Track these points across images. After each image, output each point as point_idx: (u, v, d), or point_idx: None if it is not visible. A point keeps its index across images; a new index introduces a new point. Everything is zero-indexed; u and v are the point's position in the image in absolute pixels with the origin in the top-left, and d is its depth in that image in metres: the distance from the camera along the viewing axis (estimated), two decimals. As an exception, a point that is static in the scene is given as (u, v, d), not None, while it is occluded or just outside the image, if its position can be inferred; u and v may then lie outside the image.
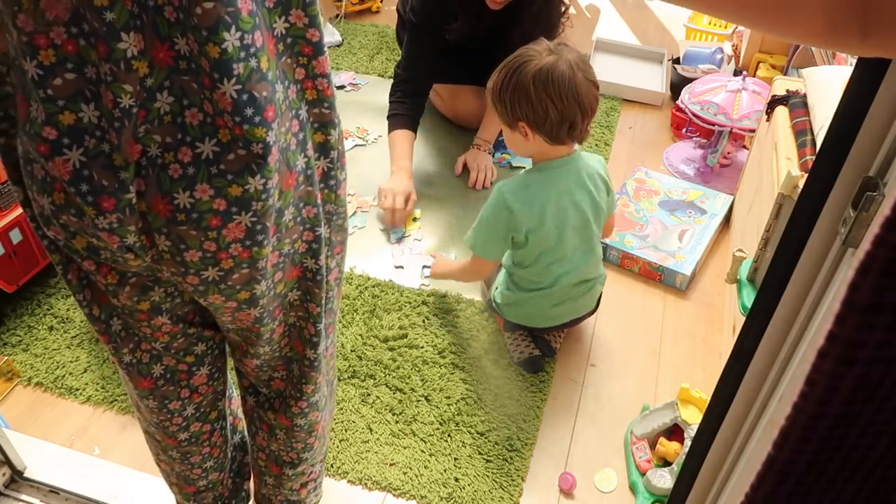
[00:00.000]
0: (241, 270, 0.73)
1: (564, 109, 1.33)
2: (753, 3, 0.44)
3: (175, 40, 0.59)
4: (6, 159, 0.70)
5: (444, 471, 1.35)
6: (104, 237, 0.67)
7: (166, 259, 0.71)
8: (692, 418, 1.33)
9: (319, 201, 0.79)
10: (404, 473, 1.35)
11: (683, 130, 2.30)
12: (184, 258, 0.70)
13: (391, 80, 2.59)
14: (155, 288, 0.80)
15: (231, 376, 1.03)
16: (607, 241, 1.82)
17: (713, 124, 2.05)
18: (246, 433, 1.09)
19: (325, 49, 0.70)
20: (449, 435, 1.41)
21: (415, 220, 1.97)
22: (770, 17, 0.45)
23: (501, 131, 1.64)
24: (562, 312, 1.53)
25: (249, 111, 0.63)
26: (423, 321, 1.65)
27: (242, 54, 0.60)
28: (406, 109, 2.04)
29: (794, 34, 0.46)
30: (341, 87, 2.52)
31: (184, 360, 0.91)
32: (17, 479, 1.30)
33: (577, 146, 1.45)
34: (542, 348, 1.57)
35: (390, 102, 2.08)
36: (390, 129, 2.05)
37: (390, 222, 1.91)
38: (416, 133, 2.05)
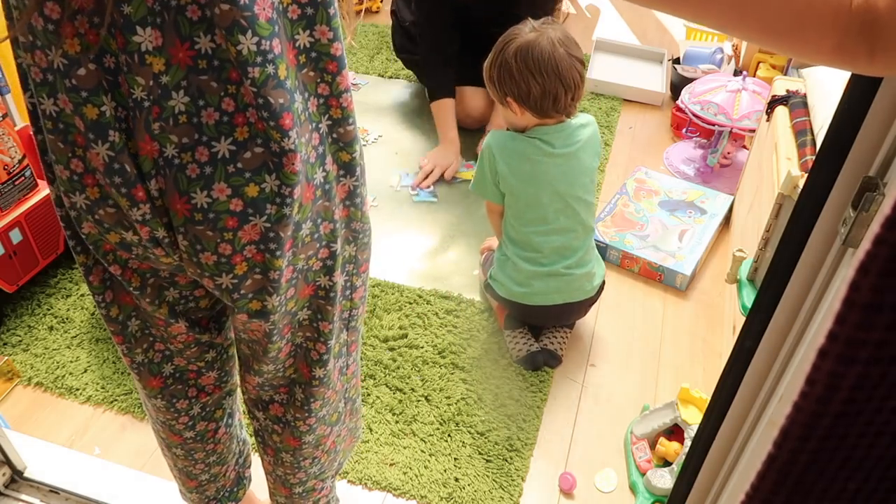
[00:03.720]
0: (253, 276, 0.72)
1: (545, 84, 1.38)
2: (763, 24, 0.45)
3: (196, 39, 0.60)
4: (45, 157, 0.71)
5: (444, 471, 1.35)
6: (138, 228, 0.69)
7: (185, 259, 0.72)
8: (692, 418, 1.33)
9: (337, 217, 0.78)
10: (404, 473, 1.35)
11: (683, 130, 2.30)
12: (199, 260, 0.70)
13: (391, 80, 2.60)
14: (170, 289, 0.81)
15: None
16: (608, 240, 1.82)
17: (713, 124, 2.05)
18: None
19: (346, 62, 0.70)
20: (449, 435, 1.41)
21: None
22: (781, 37, 0.45)
23: None
24: (553, 288, 1.51)
25: (265, 114, 0.63)
26: (423, 321, 1.65)
27: (259, 59, 0.60)
28: (445, 75, 2.16)
29: (804, 53, 0.46)
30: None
31: (195, 363, 0.92)
32: (17, 479, 1.30)
33: (567, 119, 1.47)
34: (547, 359, 1.56)
35: (428, 67, 2.18)
36: (436, 98, 2.17)
37: (417, 184, 2.09)
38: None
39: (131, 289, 0.79)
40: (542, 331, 1.61)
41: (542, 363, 1.55)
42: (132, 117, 0.62)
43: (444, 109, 2.17)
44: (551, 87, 1.38)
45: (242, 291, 0.74)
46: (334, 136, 0.73)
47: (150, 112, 0.62)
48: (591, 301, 1.57)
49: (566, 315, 1.58)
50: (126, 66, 0.60)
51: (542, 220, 1.47)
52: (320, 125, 0.71)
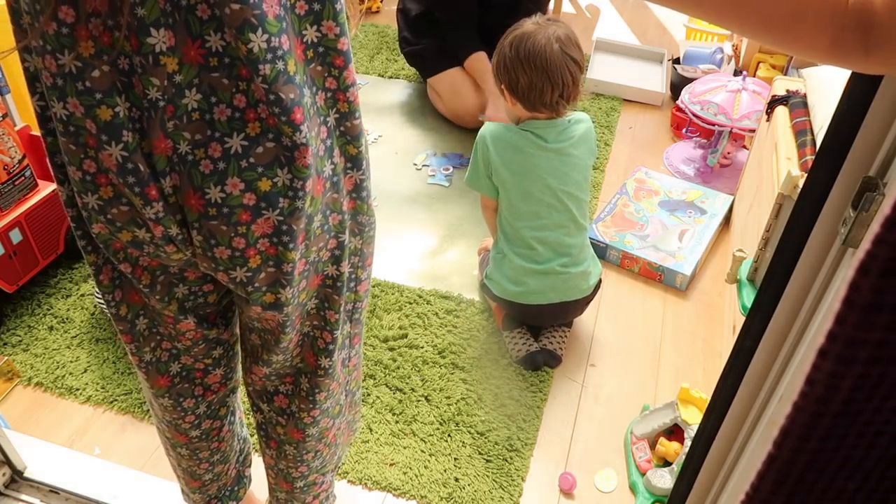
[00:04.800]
0: (267, 269, 0.73)
1: (532, 77, 1.39)
2: (761, 18, 0.45)
3: (207, 38, 0.60)
4: (54, 159, 0.72)
5: (444, 471, 1.35)
6: (151, 226, 0.69)
7: (199, 254, 0.72)
8: (692, 418, 1.33)
9: (345, 209, 0.79)
10: (404, 473, 1.35)
11: (683, 130, 2.30)
12: (214, 254, 0.71)
13: (392, 80, 2.60)
14: (180, 285, 0.82)
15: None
16: (608, 240, 1.82)
17: (713, 124, 2.05)
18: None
19: (352, 56, 0.71)
20: (449, 435, 1.41)
21: None
22: (777, 32, 0.45)
23: None
24: (549, 287, 1.50)
25: (276, 110, 0.64)
26: (423, 321, 1.65)
27: (269, 56, 0.61)
28: (468, 31, 2.20)
29: (799, 49, 0.46)
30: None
31: (201, 361, 0.93)
32: (17, 479, 1.30)
33: (565, 114, 1.48)
34: (547, 359, 1.56)
35: (448, 29, 2.21)
36: (466, 55, 2.19)
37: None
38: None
39: (141, 286, 0.80)
40: (540, 331, 1.61)
41: (541, 363, 1.55)
42: (146, 117, 0.63)
43: (480, 62, 2.17)
44: (537, 81, 1.39)
45: (256, 284, 0.74)
46: (342, 129, 0.74)
47: (164, 111, 0.63)
48: (587, 300, 1.57)
49: (562, 314, 1.58)
50: (140, 68, 0.60)
51: (535, 214, 1.47)
52: (328, 119, 0.72)
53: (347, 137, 0.75)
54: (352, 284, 0.87)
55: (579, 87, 1.44)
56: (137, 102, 0.62)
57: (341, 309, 0.86)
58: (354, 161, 0.77)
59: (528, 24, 1.43)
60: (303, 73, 0.66)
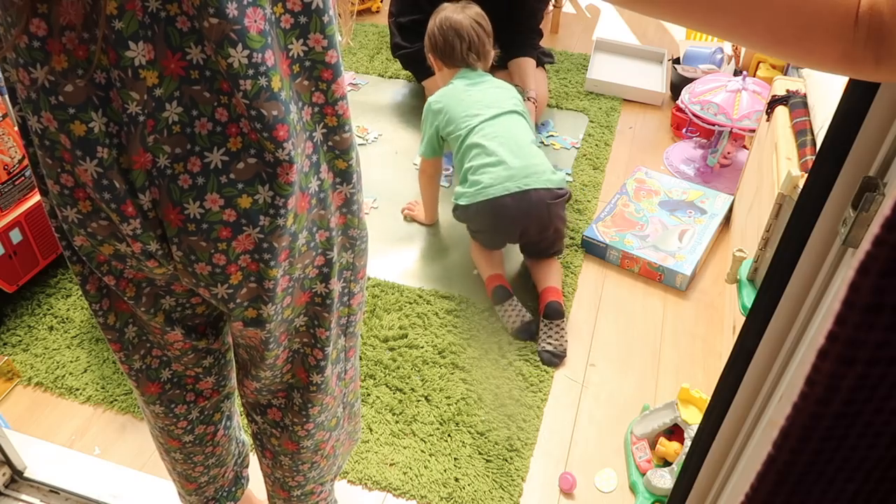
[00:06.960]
0: (248, 285, 0.72)
1: (447, 36, 1.82)
2: (771, 34, 0.45)
3: (187, 50, 0.59)
4: (37, 170, 0.70)
5: (444, 471, 1.35)
6: (130, 242, 0.68)
7: (180, 269, 0.71)
8: (692, 418, 1.33)
9: (333, 225, 0.77)
10: (404, 473, 1.35)
11: (683, 130, 2.30)
12: (194, 270, 0.70)
13: (391, 80, 2.60)
14: (167, 297, 0.81)
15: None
16: (608, 240, 1.82)
17: (713, 124, 2.05)
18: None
19: (342, 68, 0.69)
20: (449, 435, 1.41)
21: None
22: (788, 46, 0.45)
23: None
24: (505, 177, 1.59)
25: (258, 126, 0.62)
26: (423, 321, 1.65)
27: (251, 72, 0.59)
28: None
29: (811, 61, 0.46)
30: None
31: (192, 369, 0.92)
32: (17, 479, 1.30)
33: (477, 67, 1.83)
34: (548, 358, 1.57)
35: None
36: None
37: None
38: None
39: (126, 298, 0.79)
40: (539, 332, 1.61)
41: (537, 331, 1.60)
42: (126, 132, 0.61)
43: None
44: (450, 38, 1.80)
45: (238, 300, 0.73)
46: (329, 143, 0.72)
47: (145, 126, 0.61)
48: (554, 196, 1.61)
49: (535, 215, 1.61)
50: (119, 82, 0.59)
51: (476, 115, 1.68)
52: (314, 134, 0.70)
53: (336, 152, 0.73)
54: (345, 299, 0.86)
55: (488, 49, 1.83)
56: (116, 117, 0.61)
57: (332, 326, 0.85)
58: (344, 175, 0.75)
59: (450, 8, 1.84)
60: (289, 89, 0.64)
